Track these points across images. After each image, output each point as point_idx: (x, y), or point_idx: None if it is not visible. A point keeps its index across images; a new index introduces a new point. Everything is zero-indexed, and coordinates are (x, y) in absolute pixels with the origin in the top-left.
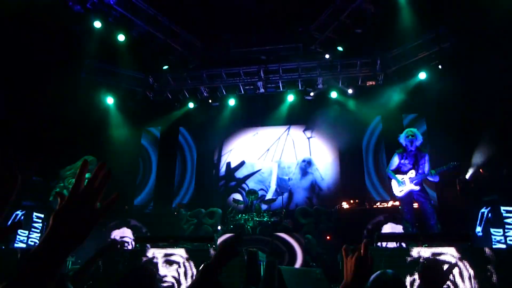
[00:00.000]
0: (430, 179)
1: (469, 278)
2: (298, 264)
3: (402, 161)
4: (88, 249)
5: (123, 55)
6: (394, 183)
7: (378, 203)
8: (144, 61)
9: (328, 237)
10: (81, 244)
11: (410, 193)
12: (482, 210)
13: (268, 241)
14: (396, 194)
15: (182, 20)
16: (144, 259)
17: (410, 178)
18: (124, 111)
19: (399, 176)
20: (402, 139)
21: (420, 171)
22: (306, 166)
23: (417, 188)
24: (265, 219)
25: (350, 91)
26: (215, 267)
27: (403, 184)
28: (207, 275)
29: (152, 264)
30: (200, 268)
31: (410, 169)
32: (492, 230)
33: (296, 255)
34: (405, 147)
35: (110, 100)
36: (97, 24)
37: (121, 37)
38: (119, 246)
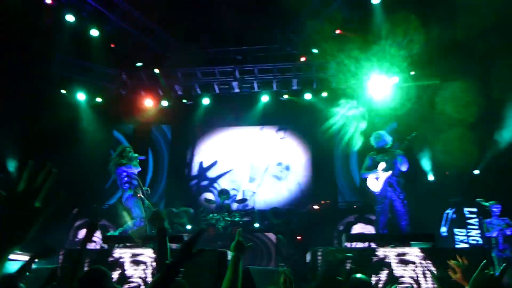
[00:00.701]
0: (401, 165)
1: (432, 277)
2: (270, 264)
3: (373, 158)
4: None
5: (96, 50)
6: (369, 180)
7: (349, 204)
8: (118, 57)
9: (299, 237)
10: (19, 244)
11: (385, 189)
12: (447, 211)
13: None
14: (374, 190)
15: (157, 17)
16: (111, 259)
17: (382, 169)
18: (96, 107)
19: (372, 172)
20: (371, 139)
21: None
22: (278, 166)
23: (389, 173)
24: (237, 219)
25: (325, 93)
26: (176, 267)
27: (378, 177)
28: (168, 275)
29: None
30: (161, 267)
31: (381, 162)
32: (455, 230)
33: (269, 255)
34: (375, 147)
35: (81, 96)
36: (70, 18)
37: (94, 32)
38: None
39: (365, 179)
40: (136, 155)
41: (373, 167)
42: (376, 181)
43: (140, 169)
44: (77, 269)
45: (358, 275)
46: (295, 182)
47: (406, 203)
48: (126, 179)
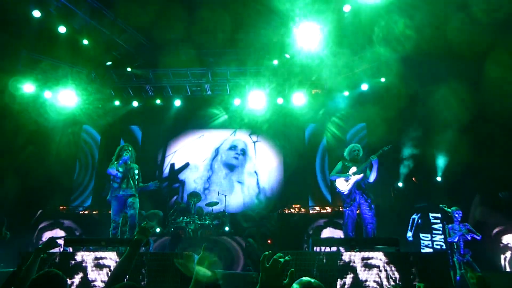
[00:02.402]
0: (369, 176)
1: (394, 281)
2: (239, 268)
3: (345, 164)
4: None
5: (64, 47)
6: (338, 181)
7: (318, 209)
8: (87, 56)
9: (269, 241)
10: None
11: (353, 190)
12: (413, 216)
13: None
14: (342, 191)
15: (129, 17)
16: (73, 262)
17: (353, 172)
18: (64, 107)
19: (343, 175)
20: (347, 151)
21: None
22: (250, 169)
23: (360, 175)
24: (207, 222)
25: (297, 98)
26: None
27: (348, 178)
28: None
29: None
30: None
31: (352, 167)
32: (421, 235)
33: (238, 259)
34: (349, 159)
35: (48, 95)
36: (36, 13)
37: (62, 29)
38: (56, 243)
39: (334, 181)
40: (126, 155)
41: (344, 172)
42: (345, 181)
43: (115, 173)
44: (28, 273)
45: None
46: (266, 186)
47: (373, 207)
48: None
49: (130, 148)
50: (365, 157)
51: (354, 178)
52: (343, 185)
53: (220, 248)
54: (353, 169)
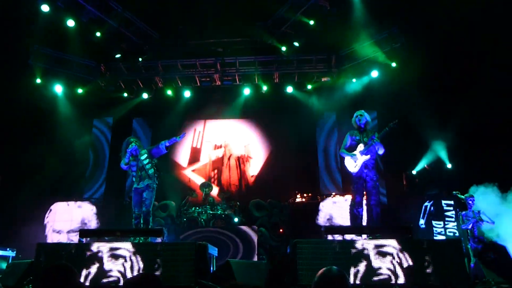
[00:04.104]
0: (379, 149)
1: (408, 268)
2: (252, 257)
3: (353, 137)
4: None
5: (73, 41)
6: (347, 160)
7: (330, 197)
8: (96, 49)
9: (281, 230)
10: None
11: (362, 170)
12: (426, 203)
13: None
14: (351, 171)
15: (136, 9)
16: (89, 253)
17: (360, 151)
18: (74, 100)
19: (351, 154)
20: (352, 119)
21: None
22: (260, 158)
23: (368, 157)
24: (219, 212)
25: (306, 86)
26: None
27: (356, 159)
28: None
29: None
30: None
31: (359, 143)
32: (434, 222)
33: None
34: (355, 126)
35: (58, 89)
36: (45, 7)
37: (70, 23)
38: None
39: (343, 158)
40: (130, 148)
41: (352, 148)
42: (353, 162)
43: (125, 167)
44: None
45: (334, 267)
46: (277, 174)
47: (378, 185)
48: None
49: (132, 140)
50: (373, 131)
51: (361, 160)
52: (352, 165)
53: (232, 237)
54: (360, 147)
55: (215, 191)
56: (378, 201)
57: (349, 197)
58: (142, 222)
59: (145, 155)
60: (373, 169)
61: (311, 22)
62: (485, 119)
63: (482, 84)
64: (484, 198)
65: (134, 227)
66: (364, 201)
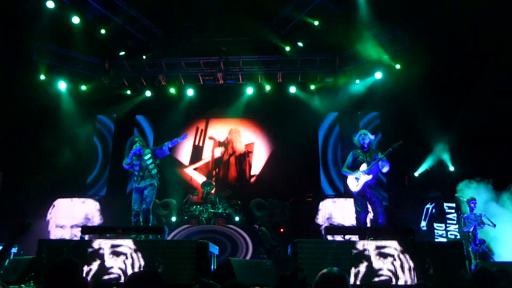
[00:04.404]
0: (383, 166)
1: (409, 270)
2: (249, 256)
3: (356, 157)
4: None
5: (78, 38)
6: (349, 179)
7: (331, 198)
8: (100, 46)
9: (281, 230)
10: None
11: (364, 190)
12: (427, 206)
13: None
14: (352, 190)
15: (141, 6)
16: (90, 250)
17: (363, 171)
18: (78, 97)
19: (353, 172)
20: (355, 138)
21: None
22: (262, 157)
23: (370, 177)
24: (220, 210)
25: (310, 86)
26: None
27: (358, 178)
28: None
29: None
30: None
31: (362, 163)
32: (435, 224)
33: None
34: (359, 146)
35: (62, 85)
36: (50, 4)
37: (75, 19)
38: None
39: (346, 177)
40: (134, 148)
41: (355, 166)
42: (356, 181)
43: (127, 166)
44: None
45: (335, 268)
46: (279, 174)
47: (384, 204)
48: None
49: (136, 139)
50: (376, 150)
51: (363, 179)
52: (353, 185)
53: (233, 236)
54: (363, 166)
55: (216, 190)
56: (385, 218)
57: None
58: (141, 219)
59: (149, 155)
60: (377, 188)
61: (316, 23)
62: (489, 121)
63: (485, 86)
64: (476, 194)
65: (133, 224)
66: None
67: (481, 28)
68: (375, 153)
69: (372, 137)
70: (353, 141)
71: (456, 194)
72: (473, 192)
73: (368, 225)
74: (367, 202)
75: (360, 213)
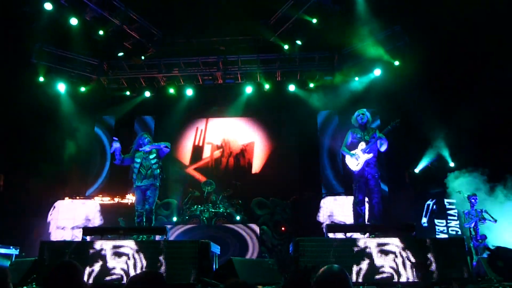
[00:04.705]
0: (382, 144)
1: (411, 266)
2: (254, 255)
3: (354, 135)
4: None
5: (76, 39)
6: (348, 158)
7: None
8: (99, 47)
9: (283, 228)
10: None
11: (364, 168)
12: (428, 202)
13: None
14: (353, 169)
15: (139, 7)
16: (92, 251)
17: (361, 149)
18: (77, 98)
19: (352, 151)
20: (353, 118)
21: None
22: (262, 156)
23: (370, 155)
24: (221, 210)
25: (309, 84)
26: None
27: (357, 157)
28: None
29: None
30: None
31: (361, 141)
32: (436, 221)
33: (253, 246)
34: (357, 125)
35: (61, 87)
36: (48, 6)
37: (73, 21)
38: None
39: (344, 156)
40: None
41: (353, 146)
42: (356, 160)
43: (127, 163)
44: None
45: (335, 266)
46: (278, 173)
47: (380, 183)
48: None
49: (145, 135)
50: (374, 129)
51: (363, 158)
52: (353, 164)
53: (234, 236)
54: (362, 145)
55: (217, 189)
56: (380, 199)
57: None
58: (144, 220)
59: (154, 155)
60: (375, 167)
61: (314, 20)
62: (488, 118)
63: (485, 83)
64: (465, 184)
65: (137, 225)
66: (366, 199)
67: (480, 25)
68: (373, 132)
69: (370, 116)
70: (351, 120)
71: (456, 190)
72: (462, 182)
73: (366, 213)
74: (365, 181)
75: (358, 193)
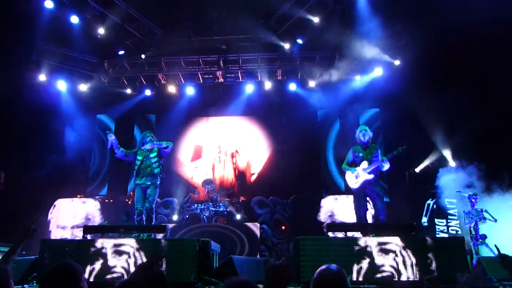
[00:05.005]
0: (384, 166)
1: (411, 265)
2: (254, 254)
3: (356, 154)
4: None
5: (77, 38)
6: (348, 175)
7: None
8: (99, 45)
9: (283, 227)
10: None
11: (364, 186)
12: (428, 201)
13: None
14: (351, 187)
15: (140, 5)
16: (93, 249)
17: (363, 168)
18: (77, 96)
19: (353, 169)
20: (356, 135)
21: (373, 160)
22: (262, 155)
23: (371, 176)
24: (221, 208)
25: (309, 84)
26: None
27: (358, 176)
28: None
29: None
30: None
31: (363, 160)
32: (436, 220)
33: (253, 245)
34: (359, 142)
35: (62, 85)
36: (49, 4)
37: (74, 19)
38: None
39: (345, 173)
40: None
41: (354, 165)
42: (355, 179)
43: (129, 159)
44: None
45: (333, 266)
46: (279, 172)
47: (384, 201)
48: None
49: (148, 133)
50: (375, 147)
51: (363, 177)
52: (352, 181)
53: (234, 234)
54: (364, 164)
55: (217, 188)
56: (385, 213)
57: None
58: (145, 218)
59: (155, 153)
60: (377, 185)
61: (315, 20)
62: (490, 117)
63: (487, 82)
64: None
65: (137, 223)
66: (369, 205)
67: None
68: (375, 150)
69: (371, 133)
70: (355, 136)
71: (456, 190)
72: (452, 178)
73: (370, 221)
74: (367, 199)
75: (359, 210)
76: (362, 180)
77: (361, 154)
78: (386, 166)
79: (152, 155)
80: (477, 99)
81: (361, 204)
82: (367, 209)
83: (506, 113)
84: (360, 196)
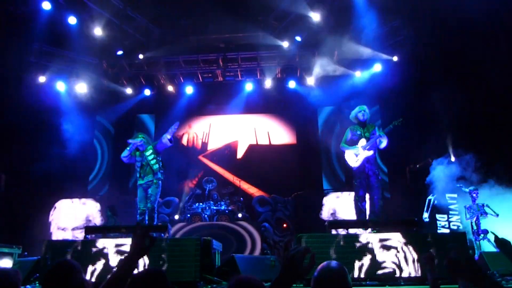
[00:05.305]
0: (382, 141)
1: (413, 261)
2: (256, 252)
3: (354, 132)
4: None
5: (75, 38)
6: (348, 154)
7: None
8: (98, 46)
9: (284, 225)
10: None
11: (364, 165)
12: (429, 197)
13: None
14: (352, 165)
15: (137, 5)
16: (94, 249)
17: (362, 146)
18: (77, 97)
19: (352, 147)
20: (353, 114)
21: (371, 137)
22: (264, 153)
23: (370, 153)
24: (223, 207)
25: (309, 81)
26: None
27: (357, 154)
28: (125, 269)
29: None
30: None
31: (361, 138)
32: (437, 216)
33: (255, 243)
34: (356, 122)
35: (61, 86)
36: (46, 5)
37: (72, 20)
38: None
39: (343, 152)
40: (134, 140)
41: (353, 143)
42: (355, 157)
43: (126, 160)
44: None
45: (334, 262)
46: (280, 169)
47: (380, 179)
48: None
49: (140, 135)
50: (373, 125)
51: (363, 155)
52: (353, 160)
53: (236, 233)
54: (362, 141)
55: (218, 187)
56: (381, 195)
57: (352, 193)
58: (147, 218)
59: (150, 151)
60: (375, 163)
61: (313, 16)
62: (490, 113)
63: (487, 77)
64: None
65: (139, 223)
66: (367, 195)
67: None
68: (373, 128)
69: (369, 113)
70: (350, 117)
71: (457, 185)
72: (443, 168)
73: (367, 209)
74: (365, 177)
75: (359, 190)
76: (362, 158)
77: (358, 132)
78: (384, 142)
79: (147, 154)
80: (479, 95)
81: (360, 184)
82: (366, 191)
83: (508, 111)
84: (360, 175)
